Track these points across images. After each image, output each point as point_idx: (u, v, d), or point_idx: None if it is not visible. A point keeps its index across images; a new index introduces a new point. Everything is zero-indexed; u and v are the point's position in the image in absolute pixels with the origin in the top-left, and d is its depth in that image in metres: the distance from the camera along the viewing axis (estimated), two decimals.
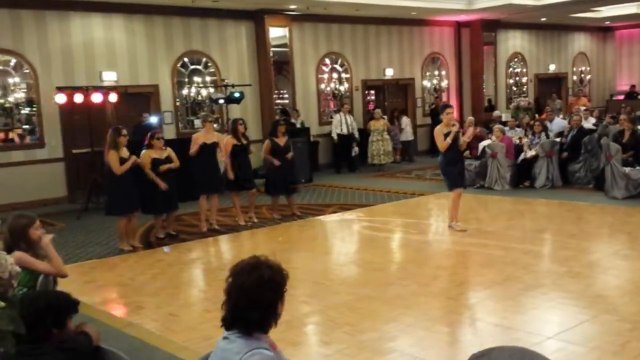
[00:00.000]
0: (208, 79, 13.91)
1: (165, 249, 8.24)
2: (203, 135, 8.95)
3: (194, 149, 8.78)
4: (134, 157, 7.88)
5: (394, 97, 17.66)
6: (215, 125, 13.65)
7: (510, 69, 20.09)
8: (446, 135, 8.08)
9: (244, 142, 9.27)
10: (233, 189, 9.31)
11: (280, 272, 2.37)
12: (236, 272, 2.34)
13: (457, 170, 8.32)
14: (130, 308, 6.09)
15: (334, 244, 8.67)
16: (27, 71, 11.58)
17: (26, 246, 4.22)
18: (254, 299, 2.28)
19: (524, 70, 20.48)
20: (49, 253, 4.28)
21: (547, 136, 11.86)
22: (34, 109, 11.73)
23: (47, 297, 2.95)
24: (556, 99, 19.18)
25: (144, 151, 8.26)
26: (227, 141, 9.17)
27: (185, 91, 13.65)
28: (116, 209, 7.99)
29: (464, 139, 8.39)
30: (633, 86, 21.79)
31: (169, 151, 8.46)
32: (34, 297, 3.00)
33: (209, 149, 8.86)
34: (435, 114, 16.85)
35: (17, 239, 4.19)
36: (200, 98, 13.85)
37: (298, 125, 13.99)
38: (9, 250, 4.17)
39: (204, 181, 8.87)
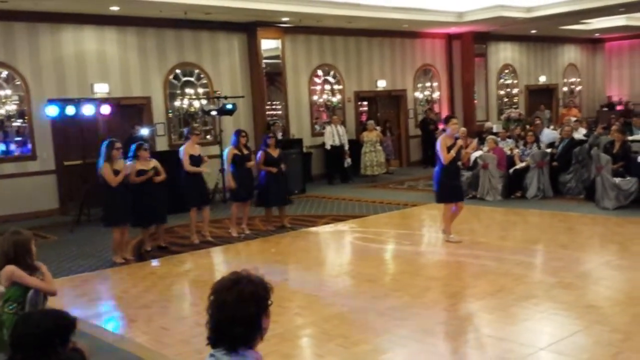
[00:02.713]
0: (200, 90, 13.92)
1: (154, 262, 8.18)
2: (190, 147, 8.97)
3: (186, 161, 8.79)
4: (126, 166, 7.90)
5: (386, 108, 17.72)
6: (208, 137, 13.84)
7: (501, 81, 20.22)
8: (449, 147, 8.05)
9: (245, 152, 9.32)
10: (236, 200, 9.36)
11: (263, 286, 2.34)
12: (217, 289, 2.32)
13: (455, 184, 8.32)
14: (122, 321, 6.07)
15: (327, 255, 8.67)
16: (19, 83, 11.56)
17: (30, 260, 4.22)
18: (236, 315, 2.25)
19: (515, 81, 20.62)
20: (44, 270, 4.28)
21: (539, 147, 11.93)
22: (26, 121, 11.70)
23: (54, 317, 2.95)
24: (544, 110, 19.33)
25: (129, 163, 8.24)
26: (229, 151, 9.28)
27: (177, 103, 13.65)
28: (115, 221, 7.99)
29: (467, 151, 8.42)
30: (609, 97, 22.24)
31: (155, 162, 8.45)
32: (39, 317, 2.98)
33: (196, 161, 8.90)
34: (425, 125, 17.01)
35: (22, 252, 4.19)
36: (192, 110, 13.85)
37: (279, 137, 13.97)
38: (2, 264, 4.16)
39: (194, 194, 8.88)
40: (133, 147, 8.42)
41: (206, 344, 2.35)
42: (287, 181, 10.15)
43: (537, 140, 12.15)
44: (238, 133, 9.39)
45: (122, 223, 8.03)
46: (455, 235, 8.31)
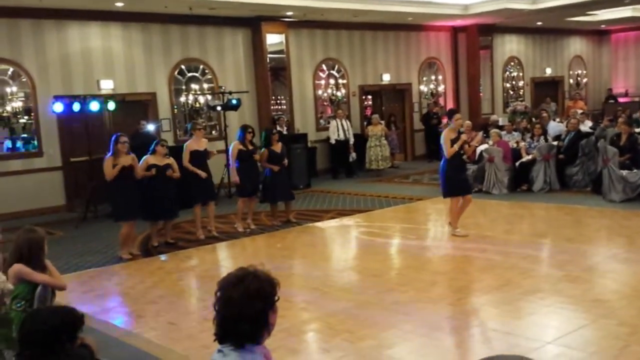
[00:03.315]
0: (205, 86, 13.93)
1: (163, 257, 8.24)
2: (195, 142, 8.98)
3: (186, 157, 8.80)
4: (121, 164, 7.93)
5: (391, 102, 17.70)
6: (213, 132, 13.86)
7: (507, 73, 20.13)
8: (453, 141, 8.02)
9: (250, 147, 9.33)
10: (242, 195, 9.38)
11: (269, 282, 2.33)
12: (223, 285, 2.32)
13: (462, 178, 8.31)
14: (129, 317, 6.10)
15: (332, 250, 8.68)
16: (25, 80, 11.60)
17: (43, 258, 4.26)
18: (242, 312, 2.25)
19: (521, 74, 20.54)
20: (50, 266, 4.32)
21: (546, 140, 11.89)
22: (32, 118, 11.74)
23: (62, 313, 2.98)
24: (550, 102, 19.25)
25: (145, 157, 8.33)
26: (234, 146, 9.29)
27: (182, 98, 13.67)
28: (124, 215, 8.03)
29: (473, 144, 8.40)
30: (610, 90, 22.17)
31: (171, 161, 8.49)
32: (46, 314, 3.01)
33: (200, 156, 8.89)
34: (427, 120, 16.98)
35: (36, 251, 4.23)
36: (197, 105, 13.87)
37: (284, 132, 14.00)
38: (14, 262, 4.19)
39: (198, 189, 8.89)
40: (153, 143, 8.53)
41: (213, 339, 2.36)
42: (291, 176, 10.13)
43: (544, 132, 12.11)
44: (244, 128, 9.39)
45: (131, 217, 8.07)
46: (461, 229, 8.31)
